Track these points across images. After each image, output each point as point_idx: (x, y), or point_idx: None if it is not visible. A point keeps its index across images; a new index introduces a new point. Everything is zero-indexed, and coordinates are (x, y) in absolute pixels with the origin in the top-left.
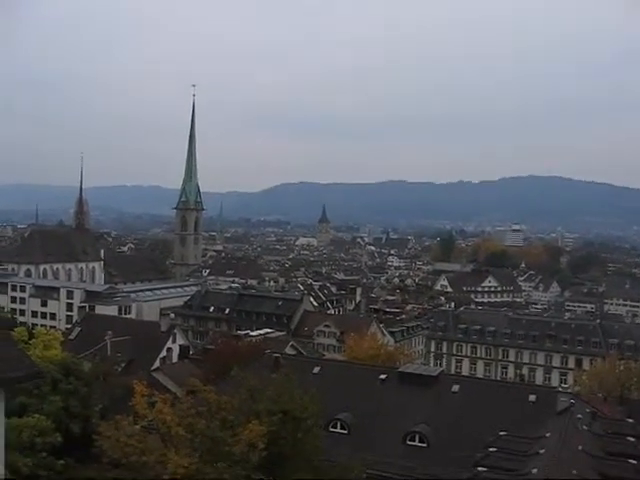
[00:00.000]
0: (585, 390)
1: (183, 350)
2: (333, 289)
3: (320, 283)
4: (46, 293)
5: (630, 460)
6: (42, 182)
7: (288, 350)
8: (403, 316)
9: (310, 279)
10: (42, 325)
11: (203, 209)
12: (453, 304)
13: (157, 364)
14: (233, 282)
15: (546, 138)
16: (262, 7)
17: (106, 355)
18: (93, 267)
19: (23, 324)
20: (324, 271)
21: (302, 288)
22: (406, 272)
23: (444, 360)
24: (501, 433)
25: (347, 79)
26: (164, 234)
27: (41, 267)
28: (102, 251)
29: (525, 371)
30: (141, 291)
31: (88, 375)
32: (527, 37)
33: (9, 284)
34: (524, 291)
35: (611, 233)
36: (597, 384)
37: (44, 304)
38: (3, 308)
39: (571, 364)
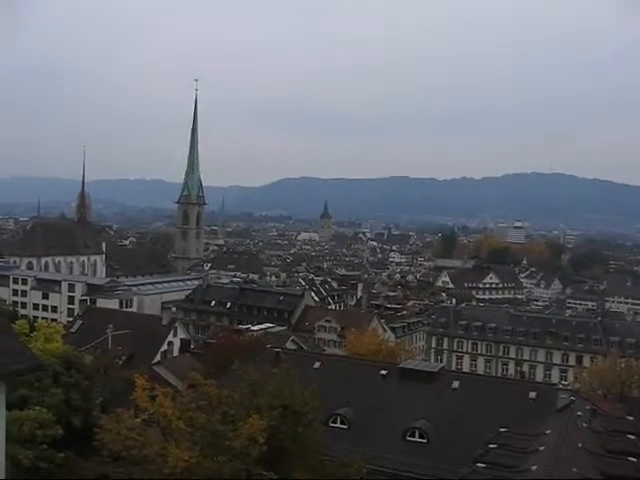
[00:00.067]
0: (585, 387)
1: (184, 344)
2: (334, 284)
3: (321, 278)
4: (47, 286)
5: (630, 458)
6: (44, 175)
7: (289, 345)
8: (404, 312)
9: (311, 274)
10: (43, 318)
11: (205, 203)
12: (454, 300)
13: (158, 358)
14: (234, 276)
15: (548, 135)
16: (262, 6)
17: (107, 348)
18: (95, 260)
19: (24, 317)
20: (325, 266)
21: (303, 283)
22: (407, 268)
23: (445, 356)
24: (501, 430)
25: (347, 77)
26: (166, 228)
27: (43, 260)
28: (104, 244)
29: (525, 368)
30: (142, 285)
31: (89, 368)
32: (527, 36)
33: (11, 277)
34: (525, 288)
35: (613, 231)
36: (597, 381)
37: (45, 297)
38: (5, 301)
39: (572, 361)
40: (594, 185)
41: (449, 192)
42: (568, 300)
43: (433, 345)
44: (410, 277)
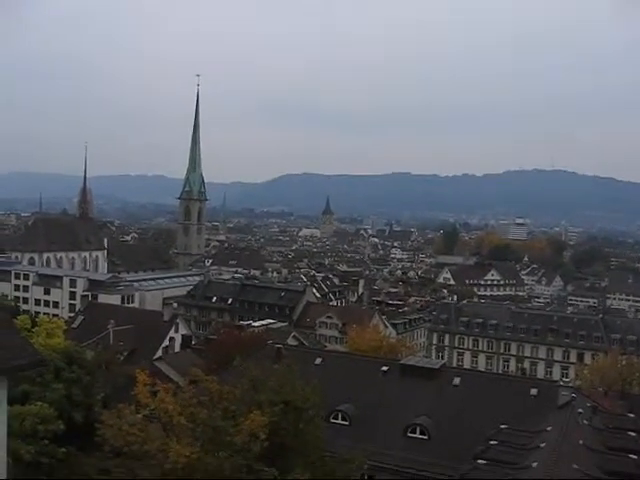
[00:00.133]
0: (586, 384)
1: (185, 340)
2: (336, 280)
3: (323, 274)
4: (49, 281)
5: (631, 455)
6: (46, 171)
7: (290, 341)
8: (405, 308)
9: (313, 270)
10: (45, 313)
11: (207, 199)
12: (455, 297)
13: (159, 353)
14: (236, 272)
15: (549, 132)
16: (262, 4)
17: (109, 344)
18: (96, 256)
19: (26, 312)
20: (327, 262)
21: (305, 279)
22: (409, 264)
23: (446, 353)
24: (502, 426)
25: (348, 74)
26: (168, 224)
27: (44, 255)
28: (105, 240)
29: (527, 365)
30: (144, 280)
31: (91, 364)
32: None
33: (12, 272)
34: (527, 285)
35: (614, 228)
36: (598, 378)
37: (47, 292)
38: (6, 296)
39: (573, 358)
40: (595, 182)
41: (451, 189)
42: (569, 297)
43: (434, 342)
44: (411, 273)
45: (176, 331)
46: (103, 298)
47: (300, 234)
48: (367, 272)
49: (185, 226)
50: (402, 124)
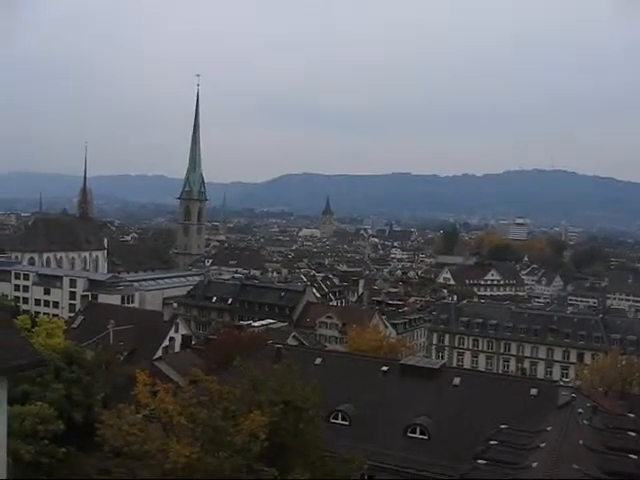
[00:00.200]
0: (586, 384)
1: (185, 340)
2: (336, 280)
3: (323, 274)
4: (49, 281)
5: (631, 455)
6: (46, 171)
7: (290, 341)
8: (405, 308)
9: (313, 270)
10: (45, 313)
11: (207, 199)
12: (455, 297)
13: (159, 353)
14: (236, 272)
15: (549, 132)
16: (262, 4)
17: (109, 344)
18: (96, 256)
19: (26, 312)
20: (327, 262)
21: (305, 279)
22: (409, 264)
23: (446, 353)
24: (502, 426)
25: (348, 74)
26: (168, 224)
27: (44, 255)
28: (105, 240)
29: (527, 365)
30: (144, 280)
31: (91, 364)
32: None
33: (12, 272)
34: (527, 285)
35: (614, 228)
36: (598, 378)
37: (47, 292)
38: (6, 296)
39: (573, 358)
40: (595, 182)
41: (451, 189)
42: (569, 297)
43: (434, 342)
44: (411, 273)
45: (176, 331)
46: (103, 298)
47: (300, 234)
48: (367, 272)
49: (185, 226)
50: (402, 124)
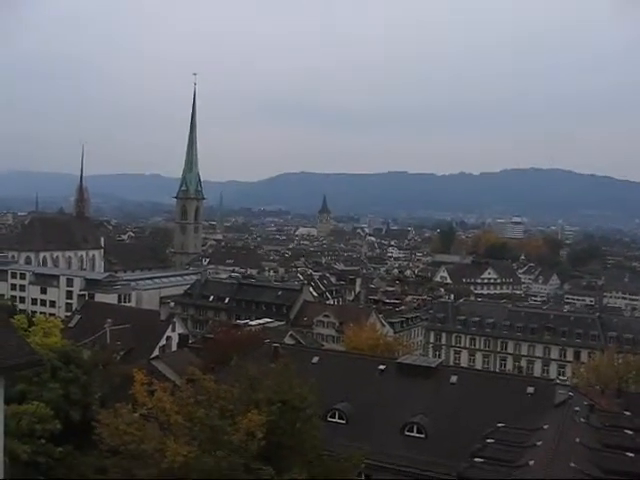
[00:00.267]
0: (583, 383)
1: (182, 339)
2: (333, 279)
3: (320, 273)
4: (46, 281)
5: (627, 453)
6: (43, 170)
7: (287, 340)
8: (402, 307)
9: (310, 269)
10: (42, 313)
11: (203, 198)
12: (452, 296)
13: (156, 352)
14: (233, 271)
15: (549, 132)
16: (262, 3)
17: (106, 343)
18: (93, 255)
19: (23, 311)
20: (324, 261)
21: (302, 278)
22: (406, 263)
23: (443, 351)
24: (499, 425)
25: (347, 73)
26: (164, 223)
27: (41, 255)
28: (102, 239)
29: (523, 363)
30: (141, 279)
31: (88, 363)
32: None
33: (9, 271)
34: (524, 283)
35: (611, 226)
36: (595, 377)
37: (44, 292)
38: (3, 295)
39: (569, 357)
40: (592, 181)
41: (448, 187)
42: (566, 295)
43: (431, 340)
44: (408, 272)
45: (173, 330)
46: (100, 297)
47: (297, 233)
48: (364, 271)
49: (182, 225)
50: (401, 124)
